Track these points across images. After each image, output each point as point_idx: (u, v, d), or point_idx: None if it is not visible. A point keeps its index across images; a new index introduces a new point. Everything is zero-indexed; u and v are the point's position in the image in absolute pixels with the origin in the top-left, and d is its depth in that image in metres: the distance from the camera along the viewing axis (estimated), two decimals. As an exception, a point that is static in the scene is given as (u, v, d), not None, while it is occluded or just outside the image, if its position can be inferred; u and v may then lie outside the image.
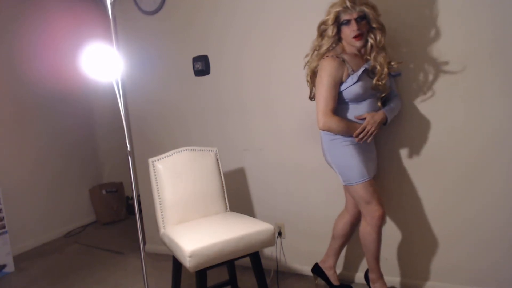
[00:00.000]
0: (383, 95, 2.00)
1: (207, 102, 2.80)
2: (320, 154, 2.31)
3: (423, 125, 2.16)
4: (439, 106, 2.11)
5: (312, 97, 2.16)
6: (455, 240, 2.17)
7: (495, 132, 2.01)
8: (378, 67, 1.91)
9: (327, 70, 1.93)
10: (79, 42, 3.76)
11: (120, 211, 4.21)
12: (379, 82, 1.92)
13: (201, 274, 1.86)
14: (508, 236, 2.04)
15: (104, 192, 4.16)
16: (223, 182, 2.32)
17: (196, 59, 2.76)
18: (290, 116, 2.52)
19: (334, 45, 1.97)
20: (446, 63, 2.06)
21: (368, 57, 1.95)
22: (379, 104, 2.02)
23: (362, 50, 1.98)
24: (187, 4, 2.76)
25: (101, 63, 1.90)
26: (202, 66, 2.74)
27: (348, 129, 1.96)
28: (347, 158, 2.01)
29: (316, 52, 2.02)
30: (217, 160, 2.32)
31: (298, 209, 2.58)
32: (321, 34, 1.98)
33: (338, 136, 2.01)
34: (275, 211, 2.66)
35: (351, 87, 1.94)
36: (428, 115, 2.14)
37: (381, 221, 2.00)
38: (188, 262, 1.78)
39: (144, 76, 3.02)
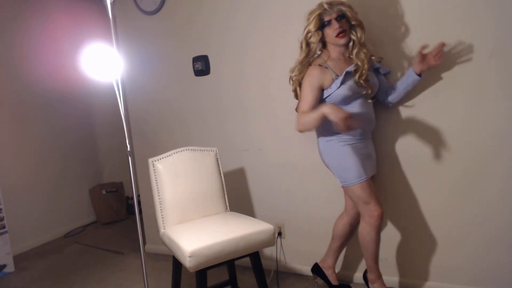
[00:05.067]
0: (370, 92, 2.00)
1: (207, 102, 2.80)
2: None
3: (422, 125, 2.16)
4: (438, 106, 2.11)
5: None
6: (455, 240, 2.17)
7: (495, 133, 2.01)
8: (359, 63, 1.94)
9: (309, 75, 1.99)
10: (79, 42, 3.76)
11: (120, 211, 4.20)
12: (360, 80, 1.94)
13: (201, 274, 1.86)
14: (508, 237, 2.04)
15: (104, 192, 4.16)
16: (223, 182, 2.32)
17: (196, 59, 2.76)
18: (290, 116, 2.51)
19: (319, 51, 2.02)
20: (445, 62, 2.06)
21: (351, 55, 1.99)
22: (370, 101, 2.04)
23: (346, 53, 2.02)
24: (187, 4, 2.76)
25: (101, 63, 1.90)
26: (202, 66, 2.74)
27: (321, 115, 1.89)
28: (343, 159, 2.01)
29: (301, 63, 2.04)
30: (217, 160, 2.32)
31: (298, 209, 2.58)
32: (307, 43, 2.01)
33: (333, 137, 2.02)
34: (275, 211, 2.66)
35: (337, 92, 1.96)
36: (426, 115, 2.14)
37: (380, 221, 2.00)
38: (188, 262, 1.78)
39: (144, 76, 3.02)
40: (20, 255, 3.41)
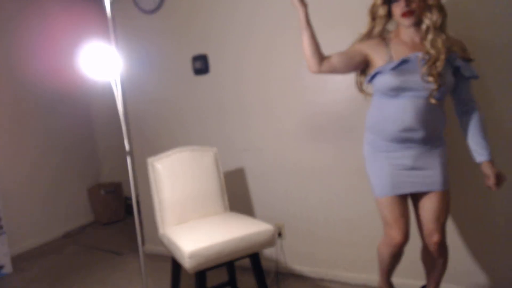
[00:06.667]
0: (437, 88, 1.57)
1: (207, 101, 2.79)
2: (320, 154, 2.31)
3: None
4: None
5: (361, 88, 1.88)
6: (453, 241, 2.16)
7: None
8: (433, 52, 1.57)
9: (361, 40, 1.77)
10: (78, 41, 3.74)
11: (119, 211, 4.19)
12: (431, 71, 1.56)
13: (201, 275, 1.85)
14: (506, 237, 2.03)
15: (103, 192, 4.15)
16: (223, 182, 2.31)
17: (195, 58, 2.75)
18: (290, 116, 2.51)
19: (387, 28, 1.75)
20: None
21: (424, 41, 1.62)
22: (432, 101, 1.60)
23: (416, 37, 1.66)
24: (186, 3, 2.75)
25: (100, 62, 1.90)
26: (201, 65, 2.73)
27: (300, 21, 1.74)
28: (373, 166, 1.77)
29: (363, 37, 1.78)
30: (217, 160, 2.31)
31: (298, 210, 2.57)
32: (373, 17, 1.73)
33: (370, 140, 1.77)
34: (275, 212, 2.64)
35: (383, 77, 1.65)
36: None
37: (398, 249, 1.75)
38: (187, 263, 1.76)
39: (143, 76, 3.00)
40: (18, 255, 3.39)
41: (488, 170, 1.66)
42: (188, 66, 2.80)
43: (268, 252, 2.72)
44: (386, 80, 1.63)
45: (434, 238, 1.73)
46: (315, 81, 2.38)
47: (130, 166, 1.96)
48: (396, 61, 1.63)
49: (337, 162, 2.37)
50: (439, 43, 1.58)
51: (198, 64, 2.73)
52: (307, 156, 2.47)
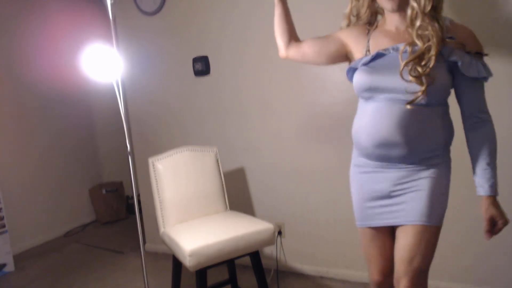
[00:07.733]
0: (421, 91, 1.21)
1: (207, 102, 2.81)
2: (320, 155, 2.31)
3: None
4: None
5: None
6: (458, 241, 2.17)
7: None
8: (419, 42, 1.23)
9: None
10: (79, 42, 3.75)
11: (120, 210, 4.21)
12: (414, 68, 1.22)
13: (201, 273, 1.87)
14: (511, 237, 2.04)
15: (104, 191, 4.17)
16: (223, 182, 2.32)
17: (196, 60, 2.77)
18: (290, 117, 2.52)
19: (371, 15, 1.45)
20: None
21: (410, 29, 1.27)
22: (408, 106, 1.23)
23: (402, 25, 1.32)
24: (187, 5, 2.76)
25: (101, 63, 1.91)
26: (202, 66, 2.75)
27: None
28: (352, 191, 1.50)
29: (345, 18, 1.49)
30: (217, 160, 2.33)
31: (298, 209, 2.59)
32: None
33: (352, 158, 1.50)
34: (275, 211, 2.66)
35: (355, 75, 1.36)
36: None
37: None
38: (188, 262, 1.78)
39: (144, 77, 3.02)
40: (20, 254, 3.41)
41: (483, 209, 1.30)
42: (188, 67, 2.81)
43: (268, 250, 2.74)
44: (357, 78, 1.34)
45: (401, 284, 1.33)
46: (315, 81, 2.39)
47: (131, 166, 1.97)
48: (370, 55, 1.34)
49: (337, 162, 2.38)
50: (430, 31, 1.22)
51: (199, 66, 2.75)
52: (307, 156, 2.49)
